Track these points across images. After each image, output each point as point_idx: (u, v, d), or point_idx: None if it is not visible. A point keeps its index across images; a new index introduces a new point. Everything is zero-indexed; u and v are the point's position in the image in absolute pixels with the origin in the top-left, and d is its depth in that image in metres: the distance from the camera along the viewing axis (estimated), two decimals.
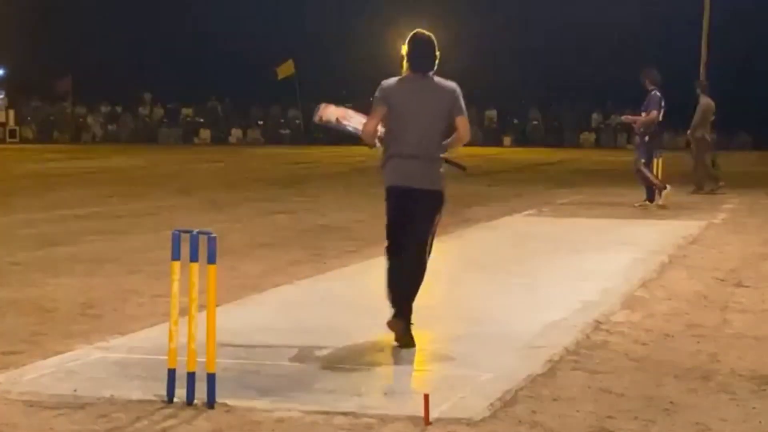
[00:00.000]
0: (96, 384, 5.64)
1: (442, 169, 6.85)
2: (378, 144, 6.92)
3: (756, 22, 42.53)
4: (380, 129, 6.92)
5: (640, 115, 16.37)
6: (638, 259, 10.57)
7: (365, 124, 6.93)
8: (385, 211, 6.85)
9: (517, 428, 5.02)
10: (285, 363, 6.18)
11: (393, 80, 6.88)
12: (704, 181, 19.32)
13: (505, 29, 44.10)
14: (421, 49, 6.88)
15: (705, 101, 19.45)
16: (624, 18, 44.63)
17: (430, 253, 6.84)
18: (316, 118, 7.44)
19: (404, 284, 6.72)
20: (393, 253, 6.80)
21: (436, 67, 6.90)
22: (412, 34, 6.93)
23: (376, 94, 6.85)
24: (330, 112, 7.42)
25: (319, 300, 8.29)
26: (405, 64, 6.91)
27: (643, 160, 16.30)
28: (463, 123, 6.84)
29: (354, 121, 7.28)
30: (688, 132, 19.66)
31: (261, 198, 17.92)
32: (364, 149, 7.34)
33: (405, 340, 6.62)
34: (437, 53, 6.89)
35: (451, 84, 6.90)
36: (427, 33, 6.92)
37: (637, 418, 5.18)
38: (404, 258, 6.74)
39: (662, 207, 16.01)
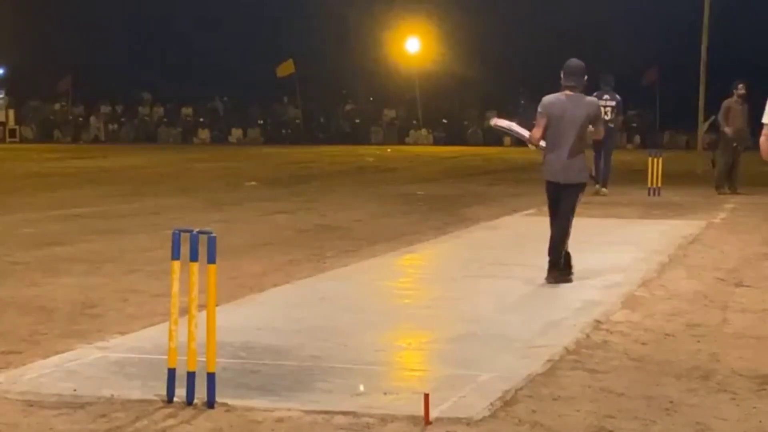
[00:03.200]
0: (96, 384, 5.64)
1: (583, 163, 9.03)
2: (542, 144, 9.00)
3: (756, 22, 42.55)
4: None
5: None
6: (638, 259, 10.57)
7: (533, 132, 8.99)
8: (546, 194, 9.18)
9: (517, 428, 5.02)
10: (285, 363, 6.18)
11: (551, 97, 8.97)
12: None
13: (504, 30, 44.09)
14: (572, 72, 8.95)
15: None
16: (624, 18, 44.64)
17: (572, 220, 9.04)
18: (492, 123, 9.72)
19: (553, 241, 9.02)
20: (552, 221, 9.13)
21: (583, 86, 9.02)
22: (567, 61, 8.98)
23: (539, 108, 8.95)
24: (503, 120, 9.75)
25: (319, 300, 8.29)
26: (561, 83, 8.94)
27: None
28: (599, 132, 9.10)
29: (520, 129, 9.38)
30: (729, 131, 19.78)
31: (261, 198, 17.90)
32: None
33: (561, 281, 8.92)
34: (585, 76, 9.00)
35: (594, 99, 9.32)
36: (577, 60, 8.97)
37: (637, 418, 5.18)
38: (555, 224, 9.08)
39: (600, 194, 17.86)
